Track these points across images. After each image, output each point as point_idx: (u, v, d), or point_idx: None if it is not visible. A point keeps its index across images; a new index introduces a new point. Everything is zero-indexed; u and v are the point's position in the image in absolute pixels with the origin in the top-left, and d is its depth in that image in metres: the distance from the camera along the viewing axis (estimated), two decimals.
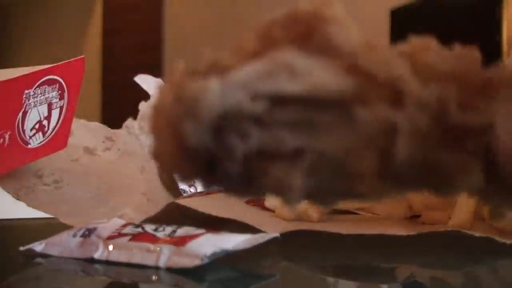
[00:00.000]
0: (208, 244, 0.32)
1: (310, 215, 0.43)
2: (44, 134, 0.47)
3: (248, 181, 0.19)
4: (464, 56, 0.19)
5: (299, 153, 0.19)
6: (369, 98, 0.18)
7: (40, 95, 0.45)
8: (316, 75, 0.18)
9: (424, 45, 0.19)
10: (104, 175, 0.51)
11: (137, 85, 0.68)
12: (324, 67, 0.18)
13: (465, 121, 0.18)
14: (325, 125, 0.18)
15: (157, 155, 0.19)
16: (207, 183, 0.20)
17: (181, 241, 0.33)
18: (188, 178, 0.20)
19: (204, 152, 0.18)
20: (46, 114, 0.46)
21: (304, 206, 0.43)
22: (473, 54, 0.20)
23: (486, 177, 0.19)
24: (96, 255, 0.34)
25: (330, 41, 0.19)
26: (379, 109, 0.18)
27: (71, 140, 0.50)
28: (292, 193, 0.19)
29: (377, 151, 0.18)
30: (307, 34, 0.19)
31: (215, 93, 0.18)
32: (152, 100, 0.67)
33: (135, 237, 0.34)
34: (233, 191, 0.20)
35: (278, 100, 0.18)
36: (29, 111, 0.45)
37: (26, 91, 0.44)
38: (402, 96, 0.18)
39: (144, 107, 0.66)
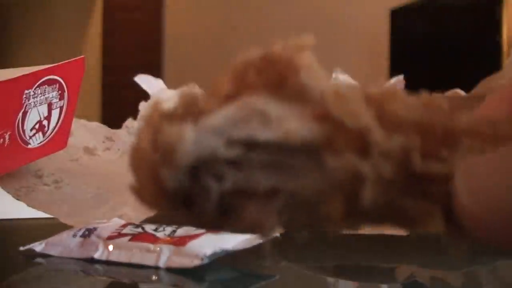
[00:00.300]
0: (208, 244, 0.32)
1: None
2: (44, 134, 0.47)
3: (223, 219, 0.20)
4: (430, 105, 0.21)
5: (273, 193, 0.20)
6: (337, 145, 0.19)
7: (40, 95, 0.45)
8: (287, 123, 0.19)
9: (392, 94, 0.20)
10: (104, 175, 0.51)
11: (137, 85, 0.68)
12: (295, 115, 0.19)
13: (428, 170, 0.19)
14: (296, 169, 0.20)
15: (136, 191, 0.20)
16: (186, 218, 0.21)
17: (181, 241, 0.33)
18: (167, 213, 0.21)
19: (182, 193, 0.20)
20: (46, 114, 0.46)
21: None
22: (439, 102, 0.21)
23: (446, 222, 0.20)
24: (96, 255, 0.34)
25: (301, 89, 0.20)
26: (347, 158, 0.19)
27: (71, 140, 0.50)
28: (265, 230, 0.20)
29: (345, 194, 0.20)
30: (280, 80, 0.20)
31: (190, 140, 0.19)
32: (151, 101, 0.67)
33: (135, 237, 0.34)
34: (210, 227, 0.21)
35: (252, 145, 0.19)
36: (29, 111, 0.45)
37: (26, 91, 0.44)
38: (368, 145, 0.19)
39: (144, 107, 0.66)
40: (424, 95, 0.21)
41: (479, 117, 0.20)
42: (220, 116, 0.19)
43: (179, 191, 0.20)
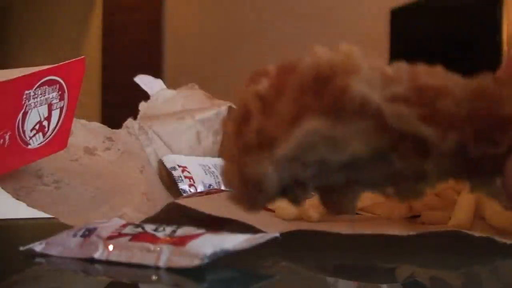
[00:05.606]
0: (208, 244, 0.32)
1: (310, 215, 0.43)
2: (44, 134, 0.47)
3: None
4: (479, 93, 0.22)
5: (348, 185, 0.23)
6: (401, 150, 0.22)
7: (40, 96, 0.45)
8: (352, 143, 0.22)
9: (443, 87, 0.22)
10: (104, 175, 0.51)
11: (137, 85, 0.68)
12: (358, 131, 0.22)
13: (481, 153, 0.22)
14: (367, 168, 0.23)
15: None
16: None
17: (181, 241, 0.33)
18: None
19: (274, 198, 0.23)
20: (46, 114, 0.46)
21: (304, 206, 0.43)
22: (488, 88, 0.22)
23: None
24: (96, 255, 0.34)
25: (358, 106, 0.22)
26: (412, 160, 0.22)
27: (71, 140, 0.50)
28: (347, 212, 0.24)
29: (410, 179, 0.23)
30: (335, 102, 0.22)
31: (273, 177, 0.22)
32: (151, 101, 0.67)
33: (135, 237, 0.34)
34: None
35: (325, 163, 0.22)
36: (29, 111, 0.45)
37: (26, 92, 0.44)
38: (428, 148, 0.22)
39: (144, 107, 0.66)
40: (473, 81, 0.22)
41: None
42: (292, 145, 0.22)
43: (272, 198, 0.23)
